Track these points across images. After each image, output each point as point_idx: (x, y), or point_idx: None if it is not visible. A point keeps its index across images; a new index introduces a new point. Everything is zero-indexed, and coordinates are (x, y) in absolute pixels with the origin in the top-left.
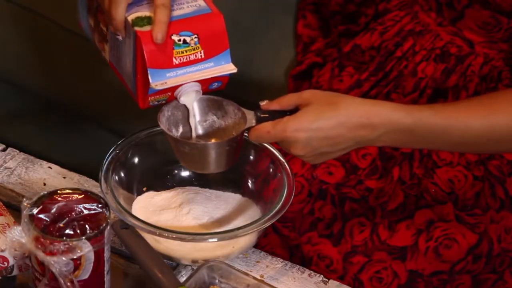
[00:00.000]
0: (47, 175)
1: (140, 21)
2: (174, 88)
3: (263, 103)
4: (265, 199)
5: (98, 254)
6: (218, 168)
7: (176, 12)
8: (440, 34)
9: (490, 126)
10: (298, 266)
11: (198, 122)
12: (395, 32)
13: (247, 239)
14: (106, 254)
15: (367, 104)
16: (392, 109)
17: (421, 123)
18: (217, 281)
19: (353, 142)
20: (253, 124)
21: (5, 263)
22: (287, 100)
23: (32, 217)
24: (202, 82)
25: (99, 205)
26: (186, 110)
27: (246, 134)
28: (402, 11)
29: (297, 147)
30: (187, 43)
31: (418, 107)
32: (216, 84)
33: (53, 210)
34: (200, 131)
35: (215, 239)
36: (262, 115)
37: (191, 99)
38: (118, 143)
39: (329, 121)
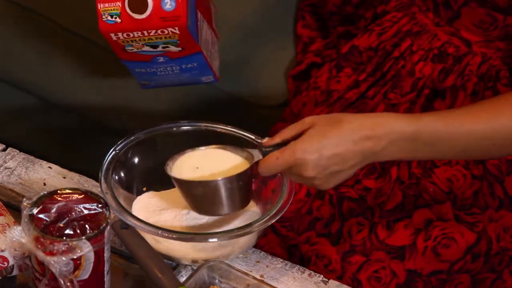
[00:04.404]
0: (47, 175)
1: None
2: None
3: (264, 141)
4: (264, 199)
5: (98, 254)
6: (232, 207)
7: None
8: (437, 34)
9: (493, 129)
10: (298, 266)
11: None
12: (393, 33)
13: (247, 239)
14: (106, 254)
15: (370, 117)
16: (394, 119)
17: (423, 130)
18: (217, 281)
19: (360, 157)
20: (261, 158)
21: (5, 263)
22: (288, 132)
23: (32, 217)
24: None
25: (99, 205)
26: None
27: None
28: (400, 12)
29: (307, 168)
30: None
31: (420, 115)
32: None
33: (53, 210)
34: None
35: (215, 239)
36: (267, 149)
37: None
38: (118, 143)
39: (334, 138)
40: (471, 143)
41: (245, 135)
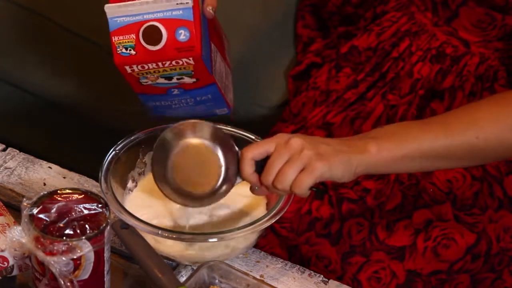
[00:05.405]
0: (47, 175)
1: None
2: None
3: None
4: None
5: (98, 254)
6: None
7: None
8: (436, 34)
9: (472, 122)
10: (298, 266)
11: None
12: (392, 33)
13: (247, 239)
14: (106, 254)
15: None
16: None
17: (396, 125)
18: (217, 281)
19: (343, 140)
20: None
21: (5, 263)
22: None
23: (32, 217)
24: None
25: (99, 205)
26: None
27: None
28: (399, 12)
29: (292, 136)
30: None
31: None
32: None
33: (53, 210)
34: None
35: (215, 239)
36: None
37: None
38: (118, 143)
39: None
40: (455, 141)
41: (245, 135)
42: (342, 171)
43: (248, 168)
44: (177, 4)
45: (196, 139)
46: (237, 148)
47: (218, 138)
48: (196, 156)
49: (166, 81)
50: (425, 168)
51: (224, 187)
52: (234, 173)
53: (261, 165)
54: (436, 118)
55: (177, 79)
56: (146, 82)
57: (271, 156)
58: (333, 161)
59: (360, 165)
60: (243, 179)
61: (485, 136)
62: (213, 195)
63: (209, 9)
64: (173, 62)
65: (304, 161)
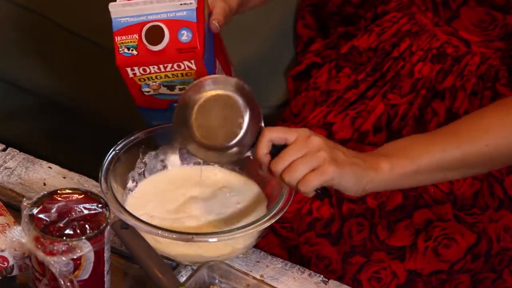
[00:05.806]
0: (47, 175)
1: None
2: None
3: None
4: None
5: (98, 254)
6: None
7: None
8: (437, 34)
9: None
10: (298, 266)
11: None
12: (392, 33)
13: (247, 239)
14: (106, 254)
15: None
16: None
17: (406, 139)
18: (217, 281)
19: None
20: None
21: (5, 263)
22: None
23: (32, 217)
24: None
25: (99, 205)
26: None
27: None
28: (400, 12)
29: (313, 134)
30: None
31: None
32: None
33: (53, 210)
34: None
35: (215, 239)
36: None
37: None
38: (118, 143)
39: None
40: (466, 151)
41: None
42: (353, 183)
43: (264, 147)
44: (180, 4)
45: (231, 92)
46: (263, 124)
47: (252, 104)
48: (224, 108)
49: (168, 92)
50: (436, 180)
51: (234, 149)
52: (249, 144)
53: (276, 149)
54: (444, 129)
55: (180, 89)
56: (148, 92)
57: (289, 145)
58: (346, 170)
59: (372, 181)
60: (255, 156)
61: (495, 142)
62: (222, 151)
63: (215, 22)
64: (175, 66)
65: (318, 161)
